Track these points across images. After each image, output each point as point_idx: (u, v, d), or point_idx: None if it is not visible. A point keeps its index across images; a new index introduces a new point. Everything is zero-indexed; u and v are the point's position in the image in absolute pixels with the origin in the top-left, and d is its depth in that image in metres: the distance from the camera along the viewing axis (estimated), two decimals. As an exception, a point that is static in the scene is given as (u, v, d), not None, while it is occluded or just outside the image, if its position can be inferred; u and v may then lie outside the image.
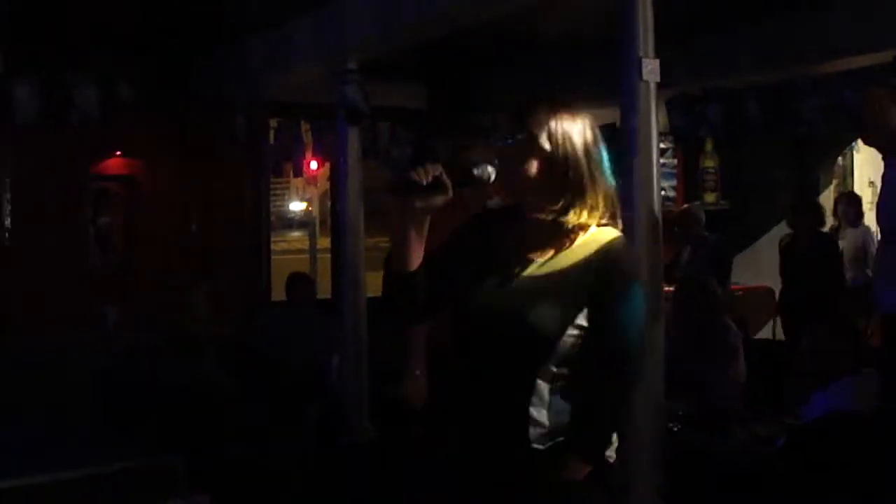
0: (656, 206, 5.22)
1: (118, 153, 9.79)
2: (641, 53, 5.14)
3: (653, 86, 5.19)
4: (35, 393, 8.28)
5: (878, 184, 4.95)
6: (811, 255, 9.09)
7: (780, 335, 9.97)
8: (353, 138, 8.01)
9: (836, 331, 5.72)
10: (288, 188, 28.63)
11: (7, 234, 9.25)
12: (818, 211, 9.77)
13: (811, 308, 8.20)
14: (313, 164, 11.03)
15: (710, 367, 6.99)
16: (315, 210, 14.52)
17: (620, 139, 5.28)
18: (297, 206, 29.96)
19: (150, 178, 9.92)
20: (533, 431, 3.03)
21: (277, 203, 26.61)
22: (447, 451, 4.47)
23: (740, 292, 11.09)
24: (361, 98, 7.81)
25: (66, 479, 6.71)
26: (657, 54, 5.20)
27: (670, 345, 5.73)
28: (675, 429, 5.93)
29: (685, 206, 10.56)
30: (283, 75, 8.79)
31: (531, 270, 3.11)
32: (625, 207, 5.14)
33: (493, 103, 10.72)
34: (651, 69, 5.16)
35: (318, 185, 13.65)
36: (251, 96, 9.62)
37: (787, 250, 9.87)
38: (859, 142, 12.60)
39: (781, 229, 11.99)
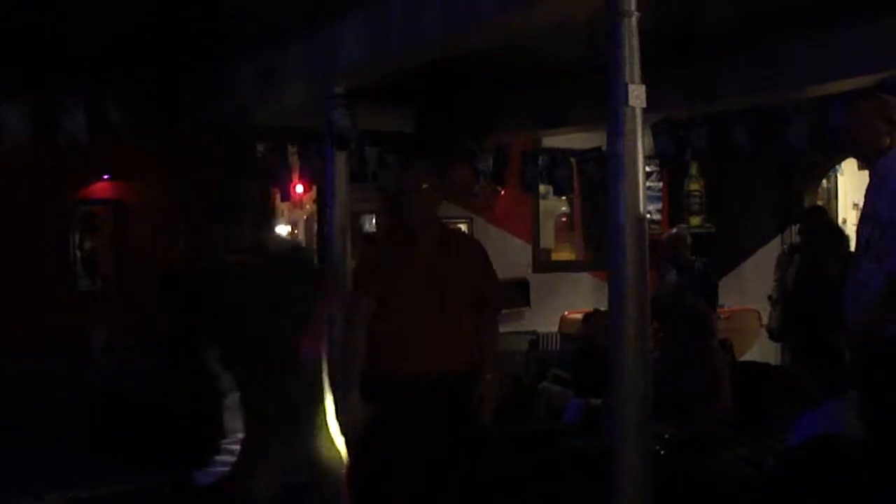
0: (643, 229, 5.25)
1: (106, 177, 9.80)
2: (627, 79, 5.18)
3: (639, 111, 5.23)
4: (21, 416, 8.28)
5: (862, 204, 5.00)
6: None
7: (767, 357, 9.98)
8: (341, 162, 8.03)
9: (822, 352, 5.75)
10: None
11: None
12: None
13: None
14: (299, 188, 11.04)
15: (697, 389, 7.03)
16: (300, 233, 14.50)
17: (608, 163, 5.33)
18: (282, 230, 29.92)
19: (137, 202, 9.93)
20: None
21: (263, 226, 26.43)
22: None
23: (726, 315, 11.11)
24: (349, 123, 7.84)
25: (53, 501, 6.74)
26: (643, 80, 5.24)
27: (657, 367, 5.76)
28: (662, 452, 5.95)
29: (672, 229, 10.60)
30: (271, 99, 8.81)
31: None
32: (611, 230, 5.24)
33: (482, 128, 10.79)
34: (637, 95, 5.20)
35: (305, 208, 13.62)
36: (240, 120, 9.64)
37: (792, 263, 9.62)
38: (843, 165, 12.68)
39: (767, 251, 12.08)
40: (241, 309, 4.15)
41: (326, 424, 4.31)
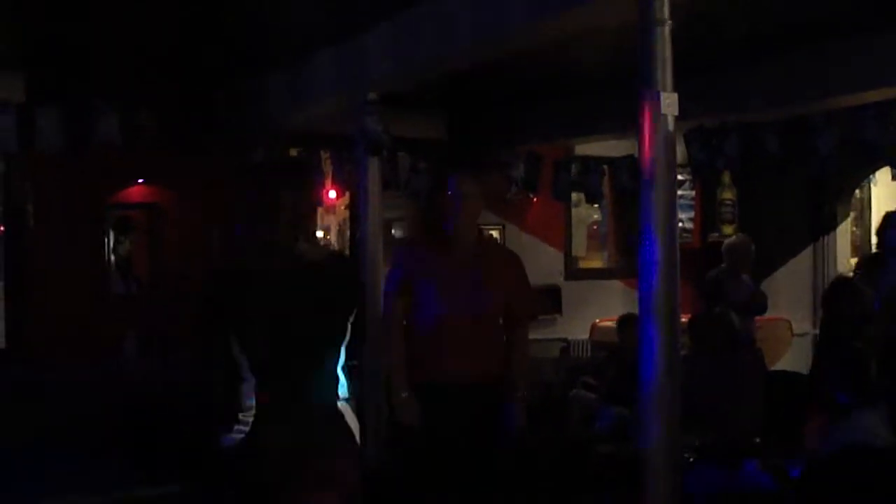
0: (674, 237, 5.25)
1: (140, 181, 9.88)
2: (660, 87, 5.19)
3: (671, 119, 5.23)
4: (53, 419, 8.34)
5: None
6: None
7: (798, 367, 9.93)
8: (374, 169, 8.05)
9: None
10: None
11: (28, 261, 9.34)
12: None
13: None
14: (332, 194, 11.08)
15: (728, 399, 7.02)
16: (333, 238, 14.55)
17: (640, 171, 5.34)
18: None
19: (171, 206, 10.01)
20: None
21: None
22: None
23: (757, 324, 11.09)
24: (382, 129, 7.87)
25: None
26: (676, 88, 5.24)
27: (687, 376, 5.76)
28: (691, 459, 5.95)
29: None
30: (303, 106, 8.86)
31: None
32: (643, 238, 5.24)
33: (513, 135, 10.81)
34: (669, 103, 5.20)
35: (337, 213, 13.68)
36: (272, 126, 9.70)
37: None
38: (877, 175, 12.62)
39: (799, 261, 12.04)
40: (264, 313, 4.14)
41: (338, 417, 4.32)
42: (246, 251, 4.32)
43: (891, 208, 11.87)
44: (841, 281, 9.14)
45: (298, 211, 4.24)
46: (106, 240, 9.83)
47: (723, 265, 10.04)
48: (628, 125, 5.68)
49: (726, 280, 9.84)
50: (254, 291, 4.16)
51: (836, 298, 8.55)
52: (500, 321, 5.52)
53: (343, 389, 4.33)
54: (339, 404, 4.30)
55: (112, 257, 9.89)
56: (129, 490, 7.31)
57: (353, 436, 4.32)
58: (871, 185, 13.36)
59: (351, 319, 4.25)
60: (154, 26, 7.96)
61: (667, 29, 5.22)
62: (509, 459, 5.47)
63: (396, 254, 5.83)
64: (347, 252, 11.05)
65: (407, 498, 5.54)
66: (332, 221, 14.32)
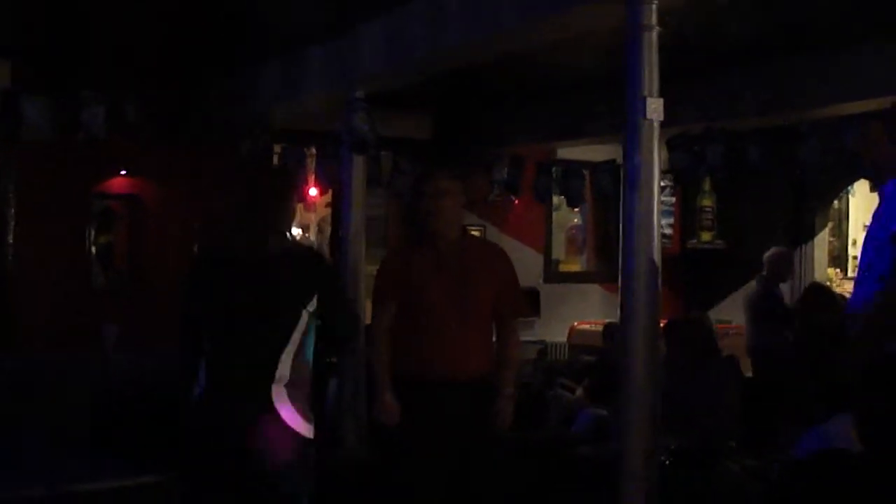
0: (656, 243, 5.30)
1: (123, 172, 9.87)
2: (646, 93, 5.23)
3: (656, 124, 5.28)
4: (34, 409, 8.33)
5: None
6: None
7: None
8: (358, 167, 8.09)
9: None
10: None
11: (10, 251, 9.32)
12: None
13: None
14: (313, 191, 11.09)
15: (704, 403, 7.07)
16: (312, 236, 14.55)
17: (623, 175, 5.39)
18: (294, 232, 29.96)
19: (154, 199, 10.01)
20: None
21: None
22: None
23: (733, 331, 11.16)
24: (368, 127, 7.90)
25: (63, 493, 6.79)
26: (661, 94, 5.29)
27: (665, 380, 5.81)
28: (667, 462, 5.99)
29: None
30: (290, 102, 8.89)
31: None
32: (625, 242, 5.29)
33: (498, 137, 10.85)
34: (655, 108, 5.24)
35: (317, 211, 13.70)
36: (258, 121, 9.71)
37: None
38: (855, 186, 12.72)
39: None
40: (219, 296, 4.60)
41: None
42: (224, 240, 4.86)
43: (868, 219, 11.96)
44: (816, 288, 9.24)
45: (275, 212, 4.69)
46: (88, 231, 9.80)
47: (761, 275, 10.09)
48: (613, 129, 5.74)
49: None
50: (216, 276, 4.65)
51: (811, 305, 8.65)
52: (489, 319, 5.54)
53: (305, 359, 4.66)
54: (280, 392, 4.56)
55: (93, 248, 9.85)
56: (107, 480, 7.30)
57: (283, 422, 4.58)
58: (850, 196, 13.47)
59: (307, 308, 4.60)
60: (142, 17, 7.97)
61: (654, 35, 5.27)
62: (495, 458, 5.50)
63: (384, 257, 5.87)
64: (326, 249, 11.07)
65: (389, 496, 5.57)
66: (312, 219, 14.32)
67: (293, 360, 4.60)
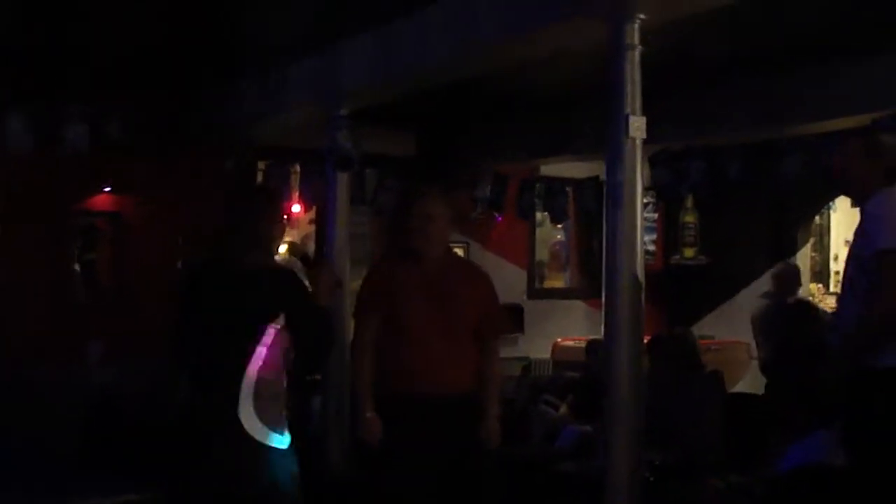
0: (639, 259, 5.33)
1: (106, 189, 9.86)
2: (629, 110, 5.27)
3: (639, 142, 5.31)
4: (17, 426, 8.31)
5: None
6: None
7: (756, 389, 10.03)
8: (342, 184, 8.11)
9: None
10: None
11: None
12: None
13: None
14: (296, 208, 11.10)
15: (687, 418, 7.09)
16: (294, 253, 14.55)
17: (606, 192, 5.43)
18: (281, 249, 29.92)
19: (137, 216, 9.99)
20: None
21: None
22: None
23: (716, 347, 11.19)
24: (352, 145, 7.92)
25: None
26: (643, 111, 5.33)
27: (648, 395, 5.83)
28: (651, 479, 6.01)
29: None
30: (275, 119, 8.90)
31: None
32: (609, 259, 5.32)
33: (481, 154, 10.88)
34: (637, 126, 5.28)
35: (300, 228, 13.70)
36: (242, 137, 9.73)
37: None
38: (836, 202, 12.78)
39: (759, 285, 12.12)
40: (195, 315, 4.80)
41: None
42: (211, 254, 4.99)
43: (849, 234, 11.99)
44: (799, 303, 9.28)
45: (257, 231, 4.82)
46: (71, 247, 9.78)
47: (768, 291, 10.10)
48: (596, 147, 5.76)
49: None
50: (197, 291, 4.87)
51: (794, 320, 8.69)
52: (471, 337, 5.54)
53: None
54: (245, 404, 4.64)
55: (77, 265, 9.84)
56: (92, 497, 7.30)
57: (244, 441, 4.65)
58: (831, 212, 13.53)
59: (274, 324, 4.69)
60: (126, 34, 7.96)
61: (636, 53, 5.32)
62: (480, 474, 5.50)
63: (367, 274, 5.87)
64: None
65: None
66: (294, 236, 14.33)
67: (259, 373, 4.66)
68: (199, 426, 4.73)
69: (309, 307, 4.78)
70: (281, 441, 4.73)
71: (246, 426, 4.62)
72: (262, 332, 4.66)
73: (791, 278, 9.99)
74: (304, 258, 5.36)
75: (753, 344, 11.32)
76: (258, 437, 4.64)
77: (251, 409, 4.64)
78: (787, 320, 9.02)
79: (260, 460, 4.66)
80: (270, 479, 4.68)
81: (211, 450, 4.66)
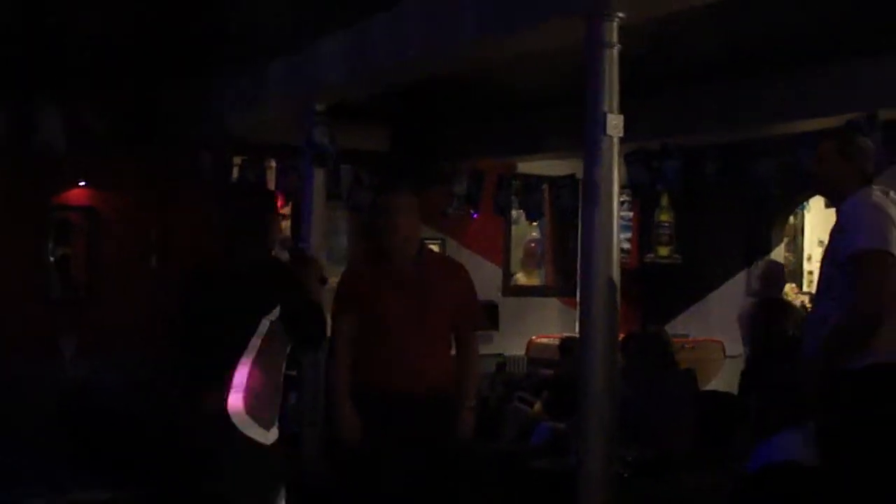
0: (615, 257, 5.35)
1: (81, 184, 9.83)
2: (606, 109, 5.29)
3: (616, 140, 5.33)
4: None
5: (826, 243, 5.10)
6: None
7: (730, 387, 10.08)
8: (319, 179, 8.12)
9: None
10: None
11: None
12: None
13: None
14: (272, 203, 11.05)
15: (660, 416, 7.13)
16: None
17: (582, 190, 5.44)
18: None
19: (112, 210, 9.98)
20: None
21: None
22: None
23: (690, 345, 11.23)
24: (328, 140, 7.92)
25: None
26: (621, 110, 5.35)
27: (622, 393, 5.86)
28: (625, 475, 6.04)
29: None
30: (251, 114, 8.89)
31: None
32: (584, 257, 5.34)
33: (458, 151, 10.89)
34: (615, 124, 5.30)
35: (276, 223, 13.67)
36: (218, 133, 9.71)
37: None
38: (810, 202, 12.83)
39: (733, 284, 12.21)
40: (191, 312, 4.89)
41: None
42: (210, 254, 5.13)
43: (823, 235, 12.05)
44: (774, 301, 9.32)
45: (255, 228, 4.87)
46: (46, 242, 9.75)
47: (754, 290, 10.12)
48: (573, 145, 5.78)
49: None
50: (196, 287, 4.94)
51: (768, 318, 8.74)
52: (448, 333, 5.55)
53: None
54: (236, 397, 4.68)
55: (52, 259, 9.81)
56: (62, 493, 7.28)
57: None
58: (805, 212, 13.58)
59: (268, 317, 4.72)
60: (102, 28, 7.94)
61: (615, 52, 5.33)
62: (455, 471, 5.52)
63: (343, 272, 5.87)
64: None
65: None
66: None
67: (252, 367, 4.68)
68: (187, 418, 4.79)
69: (304, 299, 4.84)
70: (265, 436, 4.75)
71: (234, 420, 4.64)
72: (258, 325, 4.70)
73: (776, 276, 10.03)
74: (299, 255, 5.34)
75: (726, 342, 11.42)
76: (245, 430, 4.66)
77: (241, 402, 4.67)
78: (761, 317, 9.08)
79: (243, 454, 4.68)
80: (250, 473, 4.70)
81: (197, 442, 4.72)
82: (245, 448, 4.67)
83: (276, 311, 4.74)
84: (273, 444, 4.78)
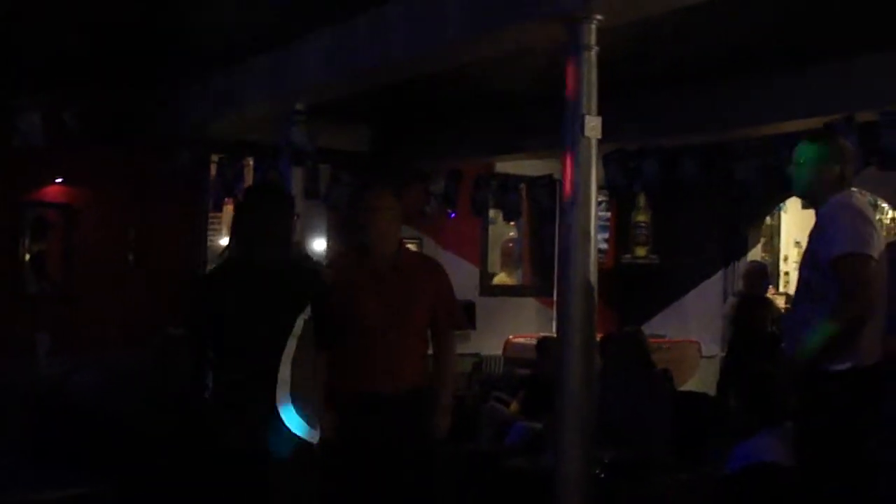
0: (592, 257, 5.37)
1: (59, 181, 9.79)
2: (584, 111, 5.30)
3: (594, 142, 5.35)
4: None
5: (805, 243, 5.12)
6: None
7: (706, 388, 10.12)
8: (297, 178, 8.11)
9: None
10: (220, 223, 28.49)
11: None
12: None
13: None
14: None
15: (637, 416, 7.14)
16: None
17: (560, 191, 5.45)
18: (227, 242, 29.79)
19: (88, 207, 9.92)
20: None
21: (210, 237, 26.50)
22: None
23: (667, 345, 11.27)
24: (307, 139, 7.92)
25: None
26: (598, 111, 5.36)
27: (599, 393, 5.87)
28: (601, 475, 6.05)
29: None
30: (230, 112, 8.87)
31: None
32: (562, 258, 5.35)
33: (436, 150, 10.89)
34: (593, 126, 5.31)
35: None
36: (197, 131, 9.69)
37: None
38: (787, 203, 12.89)
39: (710, 285, 12.26)
40: (221, 314, 4.77)
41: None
42: (234, 254, 4.93)
43: (800, 235, 12.10)
44: (755, 298, 9.37)
45: (279, 228, 4.88)
46: (21, 239, 9.70)
47: (739, 290, 10.15)
48: (552, 145, 5.79)
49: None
50: (225, 287, 4.86)
51: (750, 313, 8.77)
52: (426, 332, 5.55)
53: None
54: (283, 396, 4.71)
55: (27, 256, 9.76)
56: (41, 490, 7.24)
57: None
58: (782, 213, 13.65)
59: (303, 315, 4.79)
60: (81, 24, 7.90)
61: (593, 54, 5.35)
62: (431, 470, 5.51)
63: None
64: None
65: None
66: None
67: (292, 365, 4.74)
68: (231, 418, 4.73)
69: (327, 300, 4.93)
70: (311, 435, 4.82)
71: (285, 419, 4.69)
72: (294, 324, 4.76)
73: (759, 275, 10.07)
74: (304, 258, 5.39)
75: (703, 343, 11.47)
76: (294, 429, 4.72)
77: (288, 400, 4.72)
78: (743, 313, 9.13)
79: (294, 454, 4.73)
80: (301, 472, 4.81)
81: (248, 440, 4.70)
82: (295, 447, 4.73)
83: (308, 310, 4.81)
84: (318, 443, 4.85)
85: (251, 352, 4.74)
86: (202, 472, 4.90)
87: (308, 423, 4.77)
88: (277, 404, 4.68)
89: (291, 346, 4.73)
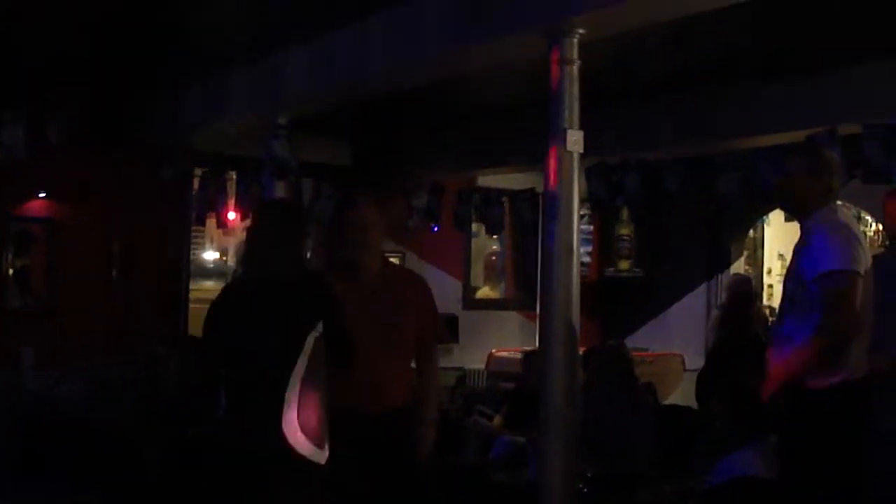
0: (575, 271, 5.37)
1: (42, 195, 9.76)
2: (566, 125, 5.31)
3: (576, 156, 5.36)
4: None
5: (788, 256, 5.13)
6: None
7: (689, 401, 10.13)
8: (280, 192, 8.11)
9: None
10: (203, 237, 28.44)
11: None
12: None
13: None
14: (231, 215, 11.04)
15: (621, 430, 7.15)
16: (230, 260, 14.48)
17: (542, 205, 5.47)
18: (210, 256, 29.73)
19: (71, 222, 9.90)
20: None
21: (194, 251, 26.46)
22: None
23: (650, 359, 11.28)
24: (289, 153, 7.93)
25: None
26: (580, 124, 5.37)
27: (582, 407, 5.87)
28: (584, 490, 6.05)
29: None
30: (213, 126, 8.87)
31: None
32: (545, 271, 5.36)
33: (418, 164, 10.90)
34: (575, 140, 5.32)
35: (236, 235, 13.64)
36: (180, 144, 9.68)
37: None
38: (770, 216, 12.93)
39: (693, 298, 12.29)
40: (231, 325, 4.81)
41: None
42: (245, 271, 4.96)
43: (783, 248, 12.14)
44: (739, 306, 9.38)
45: (291, 244, 4.90)
46: (4, 253, 9.67)
47: (722, 303, 10.14)
48: (534, 159, 5.80)
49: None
50: (236, 303, 4.89)
51: (735, 318, 8.78)
52: (410, 346, 5.53)
53: None
54: (289, 415, 4.68)
55: (10, 271, 9.73)
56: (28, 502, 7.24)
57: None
58: (765, 226, 13.69)
59: (313, 333, 4.77)
60: (64, 37, 7.89)
61: (575, 68, 5.36)
62: (415, 486, 5.49)
63: None
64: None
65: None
66: (231, 243, 14.24)
67: (301, 384, 4.71)
68: (239, 436, 4.73)
69: (339, 318, 4.89)
70: (318, 455, 4.77)
71: (290, 440, 4.65)
72: (304, 342, 4.73)
73: (743, 288, 10.09)
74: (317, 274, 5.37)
75: (686, 356, 11.48)
76: (300, 448, 4.68)
77: (294, 420, 4.68)
78: (727, 319, 9.14)
79: (300, 475, 4.71)
80: (306, 493, 4.75)
81: (255, 458, 4.68)
82: (302, 468, 4.70)
83: (320, 327, 4.78)
84: (326, 463, 4.80)
85: (261, 366, 4.71)
86: (205, 479, 4.92)
87: (317, 444, 4.75)
88: (284, 424, 4.64)
89: (301, 364, 4.71)
